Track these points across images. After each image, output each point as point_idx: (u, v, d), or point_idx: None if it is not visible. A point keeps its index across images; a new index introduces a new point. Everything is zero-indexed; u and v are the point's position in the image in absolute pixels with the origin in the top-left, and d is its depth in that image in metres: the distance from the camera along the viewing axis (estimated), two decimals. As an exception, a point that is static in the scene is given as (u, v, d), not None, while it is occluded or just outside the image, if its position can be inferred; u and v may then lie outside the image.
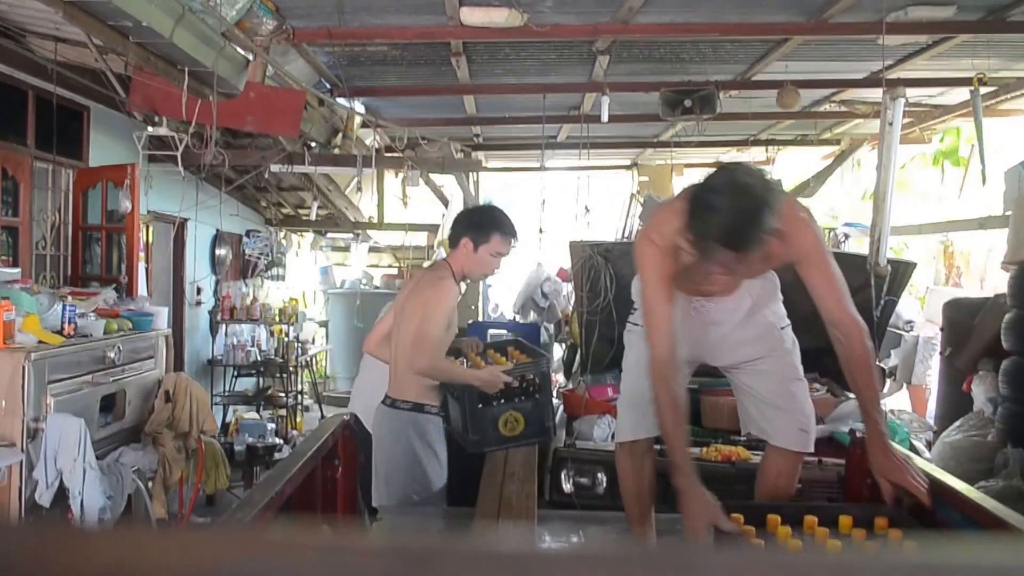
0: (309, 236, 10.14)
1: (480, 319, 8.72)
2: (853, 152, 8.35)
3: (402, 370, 3.14)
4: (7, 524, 0.51)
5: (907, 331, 7.36)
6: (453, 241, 3.20)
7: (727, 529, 2.06)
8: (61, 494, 3.69)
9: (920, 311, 7.80)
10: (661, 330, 2.32)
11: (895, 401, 7.17)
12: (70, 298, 4.26)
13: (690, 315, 2.54)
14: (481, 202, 8.49)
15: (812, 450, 2.61)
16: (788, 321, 2.72)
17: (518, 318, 7.55)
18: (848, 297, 2.31)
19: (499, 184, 11.77)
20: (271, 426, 6.68)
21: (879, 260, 4.22)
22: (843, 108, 7.26)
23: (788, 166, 9.50)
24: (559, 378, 7.06)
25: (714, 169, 2.24)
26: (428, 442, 3.13)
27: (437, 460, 3.16)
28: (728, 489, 2.63)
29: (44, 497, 3.62)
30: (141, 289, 5.69)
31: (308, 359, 8.46)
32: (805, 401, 2.64)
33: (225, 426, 6.77)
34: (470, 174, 8.15)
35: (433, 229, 9.07)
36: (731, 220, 1.98)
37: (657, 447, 2.94)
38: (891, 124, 4.30)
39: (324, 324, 10.03)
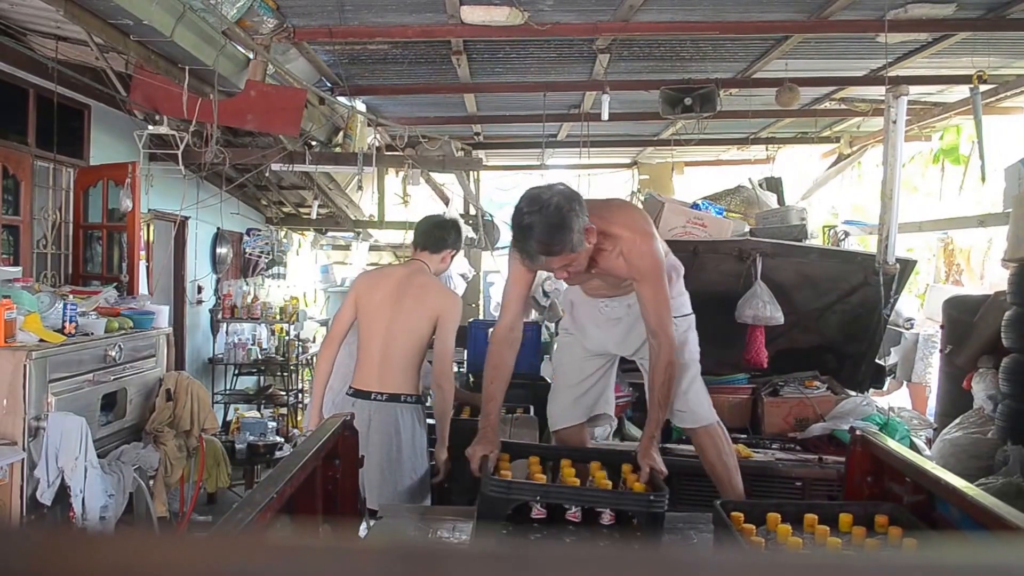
0: (310, 235, 10.14)
1: (482, 317, 8.73)
2: (859, 156, 8.29)
3: (400, 367, 3.29)
4: (9, 528, 0.51)
5: (907, 329, 7.36)
6: (437, 247, 3.49)
7: (477, 463, 2.63)
8: (62, 492, 3.70)
9: (920, 309, 7.80)
10: (508, 310, 2.87)
11: (895, 399, 7.16)
12: (71, 297, 4.26)
13: (599, 313, 3.05)
14: (464, 206, 8.53)
15: (706, 424, 2.97)
16: (689, 311, 3.07)
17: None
18: (669, 315, 2.70)
19: (499, 183, 11.76)
20: (272, 424, 6.68)
21: (887, 258, 4.22)
22: (843, 106, 7.26)
23: (788, 164, 9.50)
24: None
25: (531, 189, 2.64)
26: (424, 430, 3.34)
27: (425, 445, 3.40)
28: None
29: (45, 495, 3.63)
30: (142, 288, 5.70)
31: (309, 358, 8.46)
32: (685, 387, 2.95)
33: (226, 424, 6.78)
34: (471, 173, 8.14)
35: (434, 227, 9.05)
36: (516, 230, 2.45)
37: (662, 445, 3.00)
38: (895, 122, 4.30)
39: (325, 323, 10.03)
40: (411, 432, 3.26)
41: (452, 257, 3.61)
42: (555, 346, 3.35)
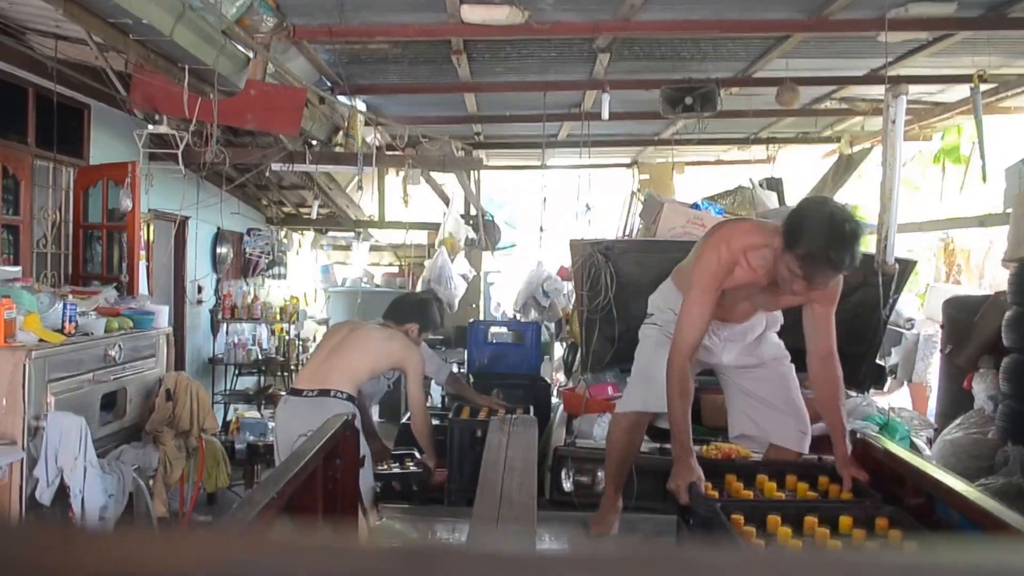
0: (310, 234, 10.14)
1: (481, 318, 8.74)
2: (864, 156, 8.24)
3: (339, 370, 3.64)
4: (8, 524, 0.51)
5: (908, 329, 7.35)
6: (400, 320, 4.05)
7: (698, 484, 2.46)
8: (62, 492, 3.69)
9: (920, 309, 7.79)
10: (697, 324, 2.65)
11: (896, 399, 7.16)
12: (71, 296, 4.26)
13: (708, 337, 2.85)
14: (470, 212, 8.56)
15: (807, 451, 3.00)
16: (787, 353, 3.07)
17: (519, 317, 7.55)
18: (835, 337, 2.75)
19: (500, 182, 11.77)
20: (272, 424, 6.67)
21: (887, 258, 4.22)
22: (843, 106, 7.25)
23: (789, 164, 9.49)
24: (560, 377, 7.06)
25: (816, 200, 2.73)
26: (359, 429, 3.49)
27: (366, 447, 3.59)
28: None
29: (45, 495, 3.62)
30: (142, 287, 5.69)
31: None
32: (802, 407, 3.01)
33: (226, 424, 6.77)
34: (471, 172, 8.14)
35: (434, 228, 9.06)
36: (843, 242, 2.33)
37: (659, 447, 3.00)
38: (894, 122, 4.30)
39: (325, 323, 10.02)
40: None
41: (418, 332, 4.04)
42: (643, 335, 3.14)
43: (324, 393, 3.50)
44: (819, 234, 2.34)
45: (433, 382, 6.09)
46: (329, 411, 3.16)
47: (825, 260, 2.35)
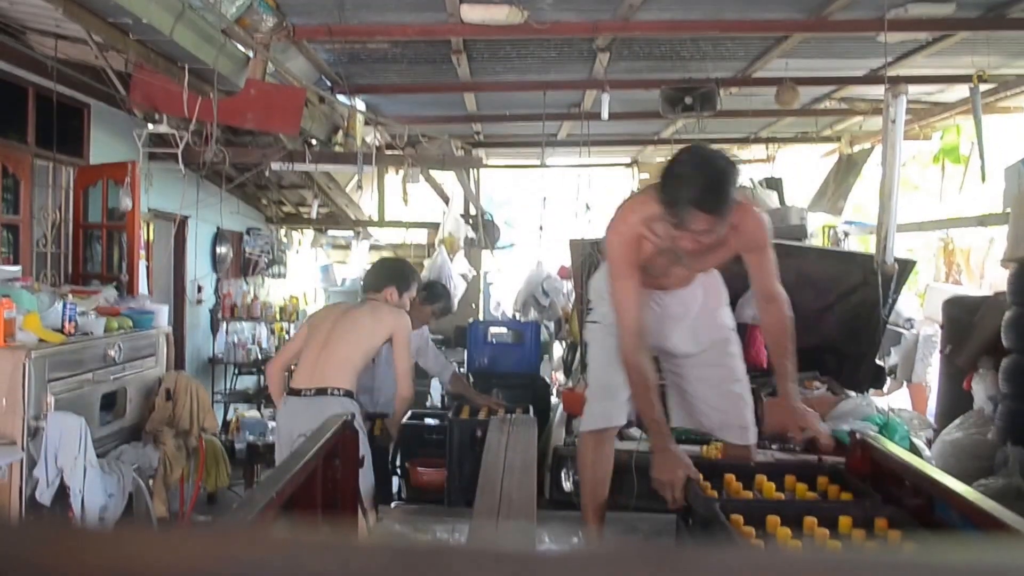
0: (310, 234, 10.14)
1: (481, 317, 8.74)
2: (864, 163, 8.21)
3: (333, 366, 3.57)
4: (7, 524, 0.51)
5: (907, 329, 7.35)
6: (376, 287, 3.91)
7: (692, 476, 2.45)
8: (62, 492, 3.69)
9: (920, 309, 7.79)
10: (631, 311, 2.58)
11: (895, 399, 7.16)
12: (71, 296, 4.26)
13: (652, 310, 2.75)
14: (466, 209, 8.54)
15: (755, 441, 2.93)
16: (735, 325, 2.98)
17: (519, 316, 7.55)
18: (777, 275, 2.67)
19: (499, 182, 11.77)
20: (272, 424, 6.67)
21: (886, 258, 4.22)
22: (843, 106, 7.26)
23: (789, 164, 9.49)
24: (559, 376, 7.06)
25: (682, 149, 2.51)
26: (362, 424, 3.45)
27: (367, 443, 3.52)
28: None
29: (45, 495, 3.62)
30: (142, 287, 5.69)
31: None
32: (743, 400, 2.93)
33: (226, 424, 6.77)
34: (471, 171, 8.15)
35: (433, 227, 9.07)
36: (705, 182, 2.27)
37: (641, 450, 3.00)
38: (894, 121, 4.30)
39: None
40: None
41: (398, 294, 3.88)
42: (588, 338, 3.00)
43: (321, 392, 3.48)
44: (681, 180, 2.30)
45: (435, 381, 6.09)
46: (328, 410, 3.15)
47: (691, 204, 2.27)
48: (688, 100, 5.97)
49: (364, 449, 3.35)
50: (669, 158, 2.47)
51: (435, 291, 4.68)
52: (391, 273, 4.03)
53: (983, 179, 6.38)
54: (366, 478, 3.43)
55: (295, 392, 3.56)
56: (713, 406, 2.91)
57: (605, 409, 2.85)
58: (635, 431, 3.99)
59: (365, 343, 3.64)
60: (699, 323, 2.86)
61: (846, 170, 8.24)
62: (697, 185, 2.27)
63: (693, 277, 2.78)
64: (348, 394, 3.51)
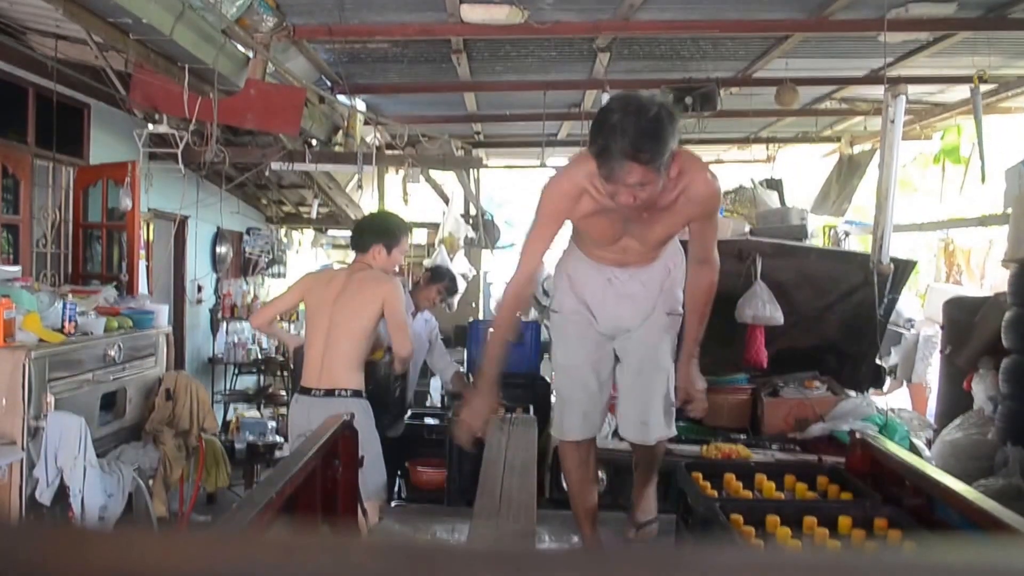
0: (310, 234, 10.14)
1: (481, 317, 8.73)
2: (867, 164, 8.18)
3: (341, 363, 3.48)
4: (7, 524, 0.51)
5: (907, 329, 7.36)
6: (362, 247, 3.68)
7: (483, 434, 2.53)
8: (62, 492, 3.69)
9: (920, 309, 7.79)
10: (531, 263, 2.51)
11: (895, 399, 7.16)
12: (71, 296, 4.26)
13: (606, 285, 2.59)
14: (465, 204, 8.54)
15: (652, 443, 2.68)
16: (683, 311, 2.70)
17: (519, 315, 7.53)
18: (716, 243, 2.56)
19: (499, 182, 11.77)
20: (272, 424, 6.67)
21: (882, 258, 4.23)
22: (844, 106, 7.26)
23: (789, 163, 9.49)
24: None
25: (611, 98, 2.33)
26: (371, 425, 3.42)
27: (377, 441, 3.49)
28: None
29: (45, 495, 3.62)
30: (142, 287, 5.69)
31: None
32: (656, 392, 2.66)
33: (226, 424, 6.77)
34: (471, 171, 8.14)
35: (433, 227, 9.06)
36: (633, 125, 2.05)
37: (671, 446, 2.96)
38: (892, 122, 4.30)
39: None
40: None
41: (387, 252, 3.63)
42: (553, 332, 2.77)
43: (329, 393, 3.46)
44: (609, 129, 2.07)
45: (434, 380, 6.09)
46: (335, 410, 3.14)
47: (621, 155, 2.06)
48: (688, 100, 5.97)
49: (374, 446, 3.35)
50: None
51: (439, 271, 4.74)
52: (376, 229, 3.76)
53: (983, 180, 6.38)
54: (377, 474, 3.41)
55: (305, 391, 3.53)
56: (623, 394, 2.70)
57: (580, 420, 2.71)
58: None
59: (365, 327, 3.53)
60: (652, 310, 2.62)
61: (849, 172, 8.22)
62: (626, 132, 2.04)
63: (655, 255, 2.55)
64: (356, 393, 3.48)
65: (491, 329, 2.61)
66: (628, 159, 2.06)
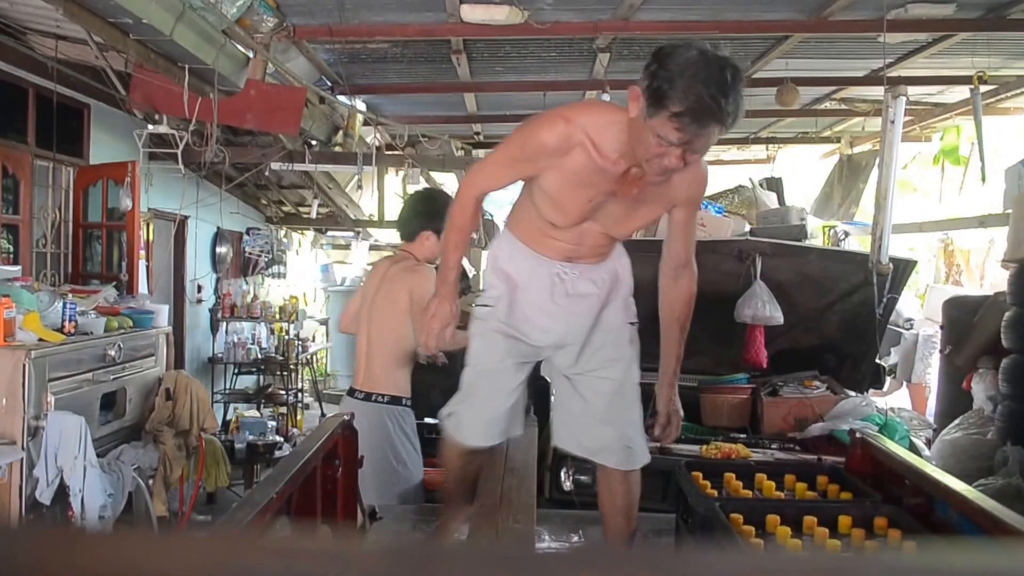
0: (310, 234, 10.14)
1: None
2: (870, 166, 8.16)
3: (379, 364, 3.26)
4: (7, 526, 0.51)
5: (907, 329, 7.36)
6: (411, 234, 3.32)
7: (448, 335, 2.27)
8: (62, 492, 3.69)
9: (920, 309, 7.80)
10: (477, 190, 2.21)
11: (895, 399, 7.17)
12: (71, 296, 4.26)
13: (553, 283, 2.24)
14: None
15: (638, 467, 2.37)
16: (637, 320, 2.44)
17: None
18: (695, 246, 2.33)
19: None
20: (272, 424, 6.68)
21: (881, 258, 4.23)
22: (843, 106, 7.26)
23: (788, 163, 9.50)
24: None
25: (678, 44, 1.89)
26: (407, 434, 3.26)
27: (416, 452, 3.30)
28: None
29: (44, 495, 3.63)
30: (142, 287, 5.70)
31: (308, 357, 8.47)
32: (634, 410, 2.38)
33: (226, 424, 6.78)
34: (470, 172, 8.14)
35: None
36: (722, 78, 1.75)
37: (659, 446, 2.92)
38: (892, 122, 4.30)
39: (324, 322, 10.04)
40: (380, 431, 3.17)
41: (437, 238, 3.21)
42: (476, 326, 2.36)
43: (368, 397, 3.29)
44: (694, 80, 1.74)
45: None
46: (370, 415, 3.11)
47: (707, 112, 1.76)
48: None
49: (409, 454, 3.28)
50: (662, 54, 1.84)
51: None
52: (426, 212, 3.28)
53: (983, 180, 6.38)
54: (417, 471, 3.30)
55: (351, 392, 3.37)
56: (598, 419, 2.33)
57: (484, 426, 2.36)
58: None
59: (398, 325, 3.25)
60: (607, 311, 2.32)
61: (851, 174, 8.22)
62: (718, 85, 1.74)
63: (608, 251, 2.27)
64: (395, 400, 3.27)
65: (450, 223, 2.28)
66: (711, 117, 1.77)
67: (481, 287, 2.42)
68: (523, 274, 2.26)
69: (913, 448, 3.91)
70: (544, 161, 2.01)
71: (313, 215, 8.34)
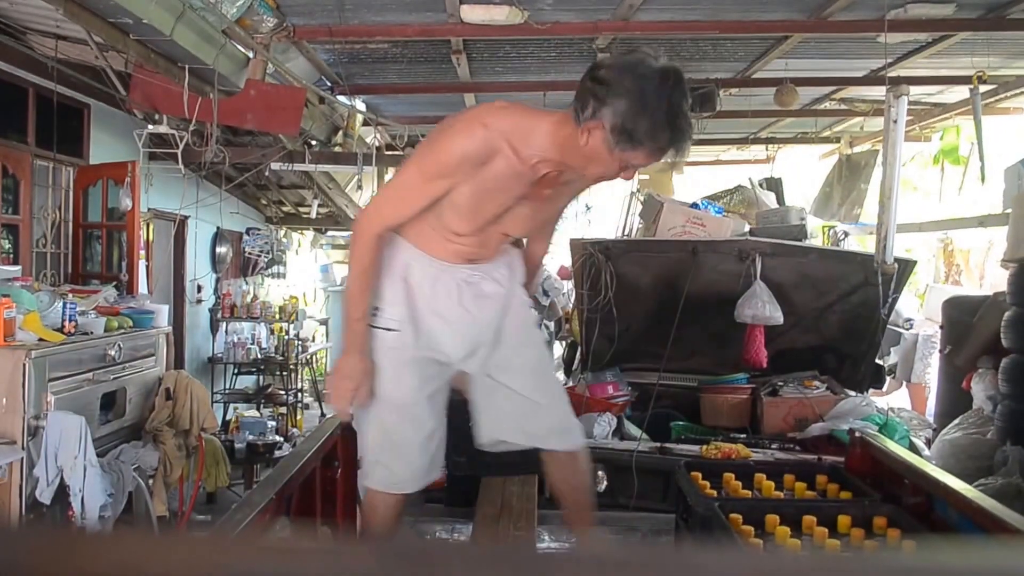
0: (309, 234, 10.14)
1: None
2: (871, 166, 8.14)
3: None
4: (7, 526, 0.51)
5: (907, 329, 7.36)
6: None
7: (361, 395, 2.04)
8: (62, 492, 3.69)
9: (920, 309, 7.80)
10: (397, 218, 2.00)
11: (895, 399, 7.17)
12: (71, 296, 4.26)
13: (461, 289, 2.10)
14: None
15: (580, 447, 2.31)
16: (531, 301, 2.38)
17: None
18: None
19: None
20: (271, 424, 6.68)
21: (886, 258, 4.23)
22: (843, 106, 7.26)
23: (788, 163, 9.50)
24: (559, 376, 7.07)
25: (626, 53, 1.86)
26: None
27: None
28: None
29: (45, 495, 3.63)
30: (142, 287, 5.70)
31: (308, 357, 8.47)
32: (561, 390, 2.38)
33: (225, 424, 6.78)
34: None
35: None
36: (685, 107, 1.75)
37: (659, 446, 2.92)
38: (895, 122, 4.30)
39: (324, 322, 10.04)
40: None
41: None
42: (378, 353, 2.10)
43: None
44: (668, 114, 1.72)
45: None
46: None
47: (684, 137, 1.75)
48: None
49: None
50: (624, 66, 1.76)
51: None
52: None
53: (983, 180, 6.38)
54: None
55: None
56: (536, 403, 2.21)
57: (411, 468, 2.16)
58: (635, 430, 4.00)
59: None
60: (511, 305, 2.20)
61: (850, 174, 8.21)
62: (682, 115, 1.74)
63: (501, 250, 2.17)
64: None
65: (356, 269, 2.04)
66: (686, 139, 1.77)
67: (374, 304, 2.08)
68: (425, 285, 2.08)
69: (913, 448, 3.91)
70: (462, 174, 1.88)
71: (313, 215, 8.34)
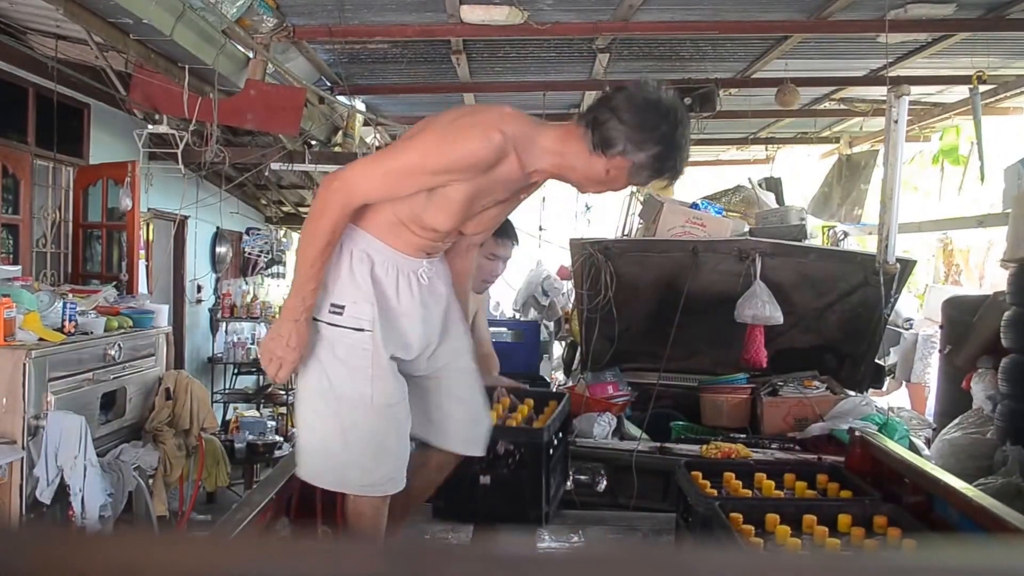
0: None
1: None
2: (871, 166, 8.12)
3: None
4: (7, 526, 0.51)
5: (906, 329, 7.36)
6: None
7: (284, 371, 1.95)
8: (62, 491, 3.70)
9: (919, 309, 7.80)
10: (391, 192, 1.89)
11: (895, 399, 7.17)
12: (71, 296, 4.26)
13: (421, 286, 2.03)
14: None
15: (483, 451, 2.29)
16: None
17: (519, 316, 7.56)
18: None
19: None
20: (271, 424, 6.68)
21: (887, 258, 4.23)
22: (843, 106, 7.26)
23: (787, 163, 9.50)
24: (559, 376, 7.07)
25: (640, 88, 1.94)
26: None
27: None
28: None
29: (45, 494, 3.63)
30: (142, 287, 5.70)
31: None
32: (485, 401, 2.33)
33: (225, 424, 6.78)
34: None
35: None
36: (687, 146, 1.94)
37: (659, 445, 2.91)
38: (896, 122, 4.29)
39: (324, 322, 10.03)
40: None
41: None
42: (340, 350, 1.97)
43: None
44: (683, 147, 1.91)
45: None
46: None
47: (670, 172, 1.93)
48: (687, 100, 5.97)
49: None
50: (635, 96, 1.89)
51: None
52: None
53: (982, 180, 6.38)
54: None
55: None
56: (479, 409, 2.25)
57: (390, 469, 2.03)
58: (635, 430, 4.00)
59: None
60: (451, 304, 2.17)
61: (850, 174, 8.20)
62: (684, 154, 1.92)
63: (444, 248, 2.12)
64: None
65: (307, 244, 1.89)
66: (666, 179, 2.00)
67: (333, 301, 1.95)
68: (390, 280, 1.98)
69: (913, 448, 3.91)
70: (468, 175, 1.84)
71: (313, 215, 8.34)
